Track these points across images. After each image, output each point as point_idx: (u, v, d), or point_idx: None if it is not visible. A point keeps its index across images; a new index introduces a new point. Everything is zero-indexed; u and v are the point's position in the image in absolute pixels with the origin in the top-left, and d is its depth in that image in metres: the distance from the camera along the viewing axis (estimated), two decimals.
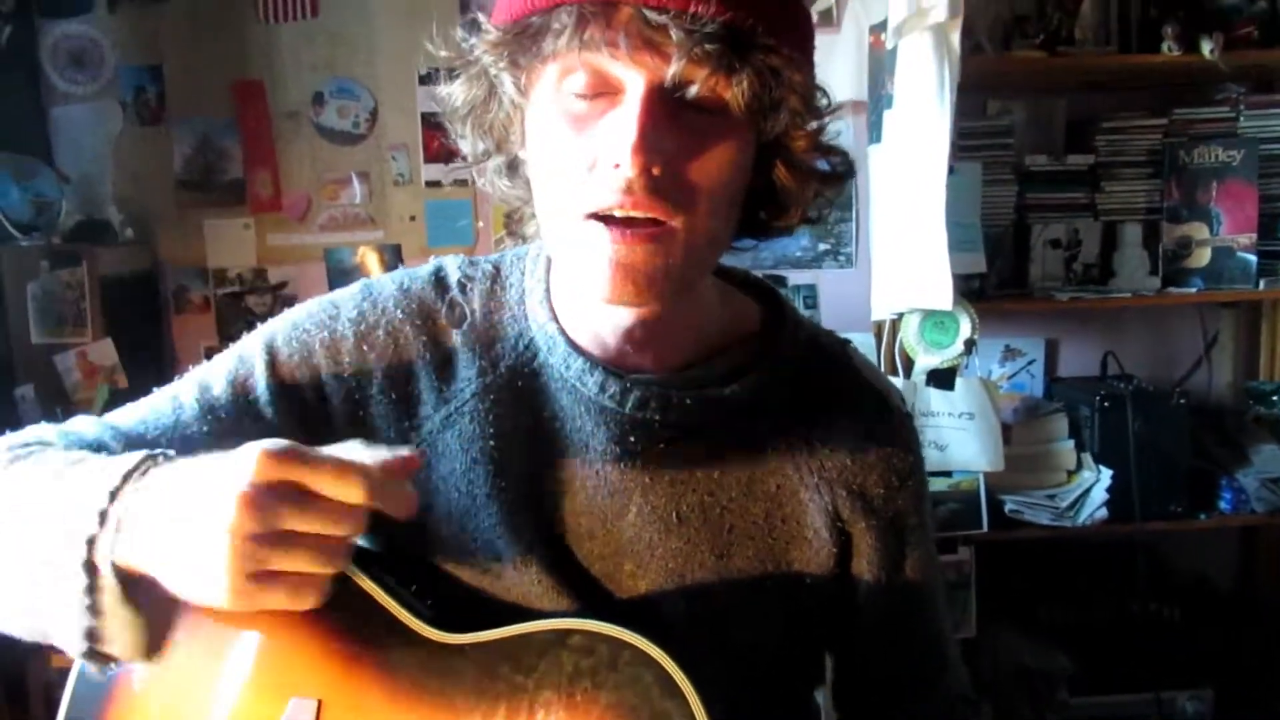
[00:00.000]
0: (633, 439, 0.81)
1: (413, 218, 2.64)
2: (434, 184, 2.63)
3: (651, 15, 0.66)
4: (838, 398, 0.87)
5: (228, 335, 2.57)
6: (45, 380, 2.28)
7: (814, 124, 0.76)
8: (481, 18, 0.75)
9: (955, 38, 1.92)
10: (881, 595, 0.87)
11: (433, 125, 2.61)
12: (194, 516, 0.61)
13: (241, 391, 0.82)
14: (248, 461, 0.60)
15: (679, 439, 0.82)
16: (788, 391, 0.85)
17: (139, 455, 0.66)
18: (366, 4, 2.57)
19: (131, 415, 0.83)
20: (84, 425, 0.82)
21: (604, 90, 0.69)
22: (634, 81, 0.68)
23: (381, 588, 0.79)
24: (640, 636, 0.73)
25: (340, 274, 2.63)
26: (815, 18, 2.51)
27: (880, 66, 2.15)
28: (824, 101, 0.77)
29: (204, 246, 2.62)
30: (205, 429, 0.81)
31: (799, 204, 0.80)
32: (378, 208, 2.64)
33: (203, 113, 2.60)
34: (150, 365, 2.48)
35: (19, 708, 2.13)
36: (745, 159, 0.74)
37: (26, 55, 2.52)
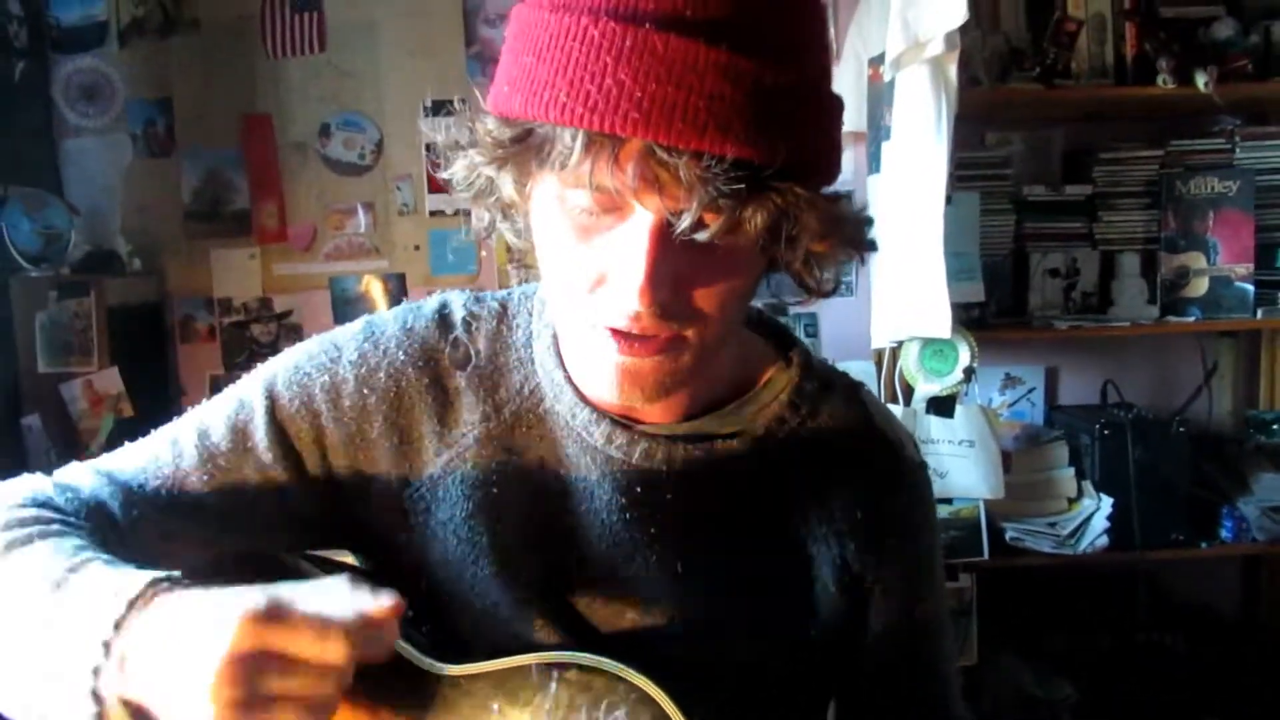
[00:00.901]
0: (639, 489, 0.79)
1: (417, 247, 2.67)
2: (438, 214, 2.66)
3: (661, 153, 0.61)
4: (850, 447, 0.84)
5: (233, 364, 2.60)
6: (52, 409, 2.30)
7: (834, 231, 0.71)
8: (480, 100, 0.70)
9: (952, 71, 1.95)
10: (890, 644, 0.87)
11: (437, 156, 2.64)
12: (183, 673, 0.58)
13: (241, 438, 0.79)
14: (228, 627, 0.57)
15: (686, 489, 0.80)
16: (797, 442, 0.83)
17: (144, 580, 0.62)
18: (373, 39, 2.61)
19: (131, 462, 0.80)
20: (82, 477, 0.77)
21: (610, 206, 0.66)
22: (643, 211, 0.65)
23: None
24: (635, 672, 0.73)
25: (345, 303, 2.65)
26: None
27: (879, 98, 2.18)
28: (845, 211, 0.72)
29: (210, 276, 2.65)
30: (205, 476, 0.78)
31: (817, 285, 0.77)
32: (382, 237, 2.67)
33: (211, 145, 2.64)
34: (156, 394, 2.49)
35: None
36: (757, 273, 0.72)
37: (39, 89, 2.57)
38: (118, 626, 0.60)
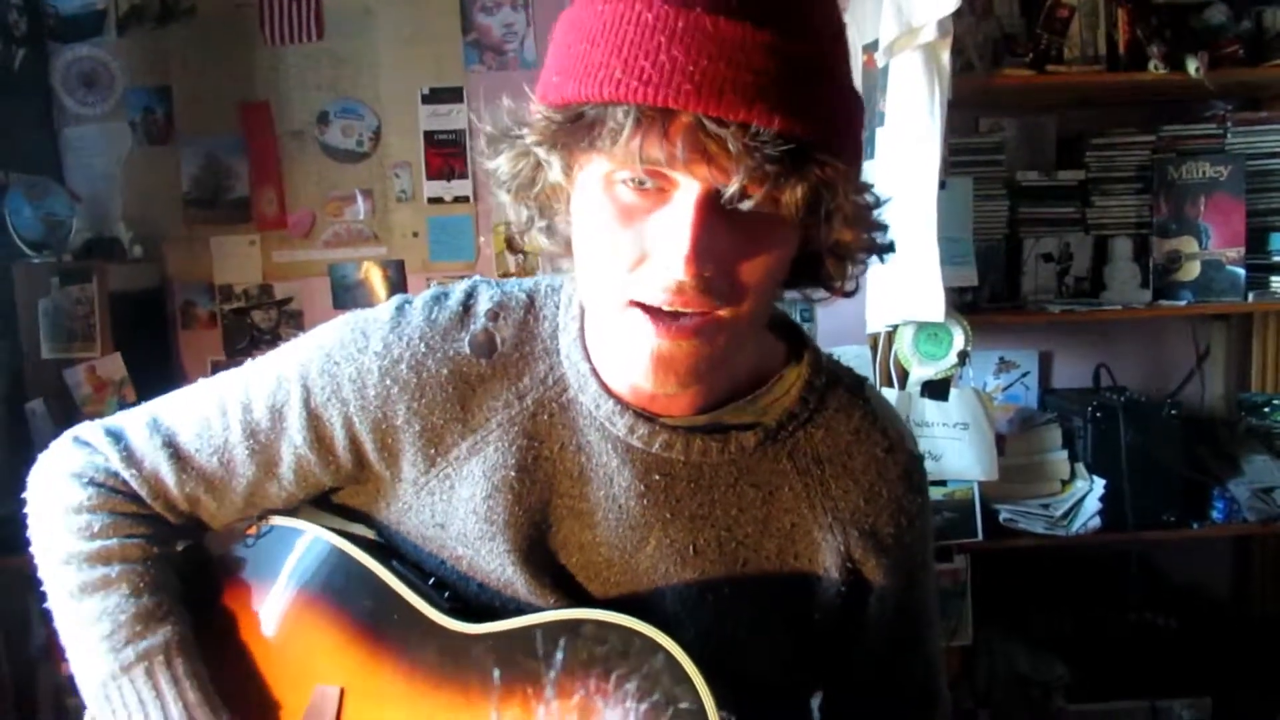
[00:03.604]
0: (656, 476, 0.84)
1: (415, 234, 2.69)
2: (436, 200, 2.68)
3: (710, 126, 0.64)
4: (854, 439, 0.88)
5: (234, 350, 2.62)
6: (55, 394, 2.33)
7: (861, 220, 0.76)
8: (529, 93, 0.74)
9: (945, 57, 1.96)
10: (884, 630, 0.91)
11: (434, 144, 2.66)
12: None
13: (278, 418, 0.86)
14: None
15: (701, 477, 0.85)
16: (806, 433, 0.87)
17: None
18: (370, 26, 2.63)
19: (185, 426, 0.88)
20: (143, 444, 0.87)
21: (655, 187, 0.69)
22: (688, 184, 0.68)
23: (401, 580, 0.83)
24: (650, 626, 0.76)
25: (344, 289, 2.68)
26: None
27: (873, 85, 2.20)
28: (870, 199, 0.76)
29: (211, 263, 2.67)
30: (247, 449, 0.86)
31: (840, 280, 0.81)
32: (381, 224, 2.69)
33: (210, 132, 2.66)
34: (159, 379, 2.50)
35: (28, 711, 2.16)
36: (792, 251, 0.75)
37: (39, 78, 2.59)
38: None
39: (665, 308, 0.70)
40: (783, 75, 0.65)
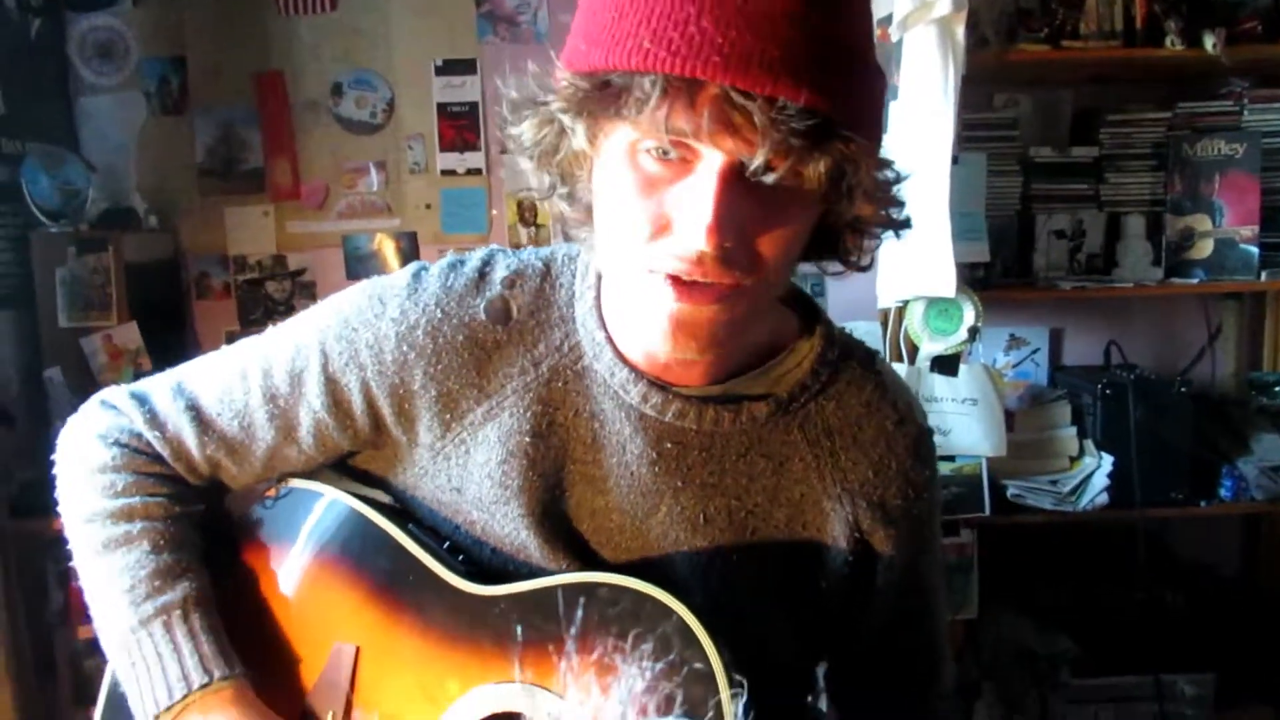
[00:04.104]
0: (669, 444, 0.85)
1: (428, 205, 2.70)
2: (449, 172, 2.69)
3: (737, 98, 0.65)
4: (864, 412, 0.89)
5: (249, 320, 2.64)
6: (73, 362, 2.35)
7: (881, 196, 0.76)
8: (555, 59, 0.74)
9: (959, 31, 1.96)
10: (891, 600, 0.92)
11: (448, 115, 2.66)
12: None
13: (297, 383, 0.88)
14: None
15: (713, 446, 0.86)
16: (817, 405, 0.88)
17: (184, 689, 0.82)
18: None
19: (208, 391, 0.90)
20: (167, 408, 0.89)
21: (679, 157, 0.70)
22: (711, 155, 0.68)
23: (417, 543, 0.85)
24: (661, 590, 0.78)
25: (357, 260, 2.69)
26: None
27: (887, 59, 2.19)
28: (889, 173, 0.76)
29: (225, 234, 2.68)
30: (266, 413, 0.88)
31: (857, 254, 0.82)
32: (394, 196, 2.70)
33: (224, 103, 2.66)
34: (174, 348, 2.53)
35: (47, 675, 2.20)
36: (811, 225, 0.76)
37: (55, 48, 2.59)
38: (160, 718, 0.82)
39: (684, 277, 0.71)
40: (810, 50, 0.65)
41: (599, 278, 0.86)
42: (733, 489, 0.86)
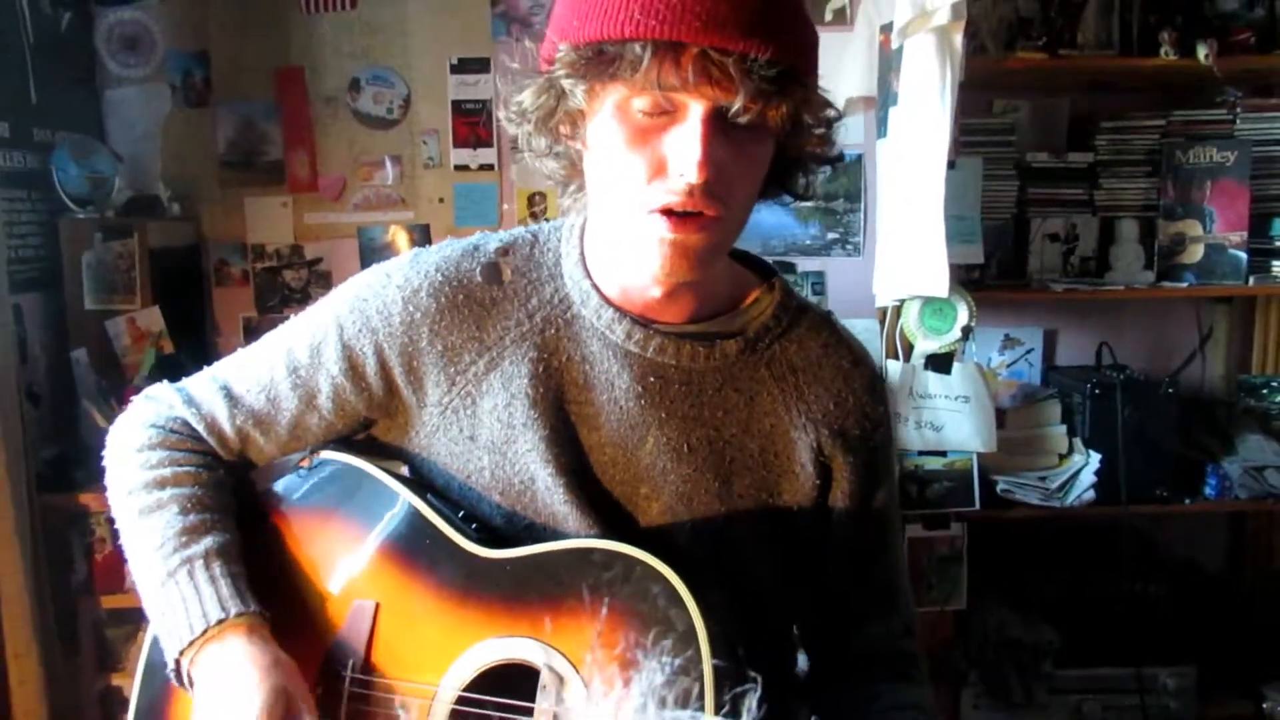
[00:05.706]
0: (652, 379, 0.96)
1: (441, 199, 2.78)
2: (462, 168, 2.77)
3: (715, 55, 0.79)
4: (823, 353, 1.02)
5: (266, 308, 2.73)
6: (98, 343, 2.42)
7: (821, 131, 0.91)
8: (551, 35, 0.88)
9: (958, 39, 2.02)
10: (853, 524, 1.02)
11: (462, 112, 2.74)
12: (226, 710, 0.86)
13: (316, 354, 0.99)
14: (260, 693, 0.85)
15: (691, 381, 0.97)
16: (782, 345, 1.01)
17: (203, 624, 0.89)
18: None
19: (238, 376, 1.01)
20: (206, 394, 1.01)
21: (667, 109, 0.83)
22: (695, 106, 0.82)
23: (434, 511, 0.94)
24: (650, 555, 0.86)
25: (372, 251, 2.77)
26: (830, 16, 2.63)
27: (888, 65, 2.26)
28: (831, 113, 0.91)
29: (244, 223, 2.76)
30: (289, 384, 0.99)
31: (801, 182, 0.97)
32: (408, 189, 2.78)
33: (246, 97, 2.74)
34: (194, 333, 2.62)
35: (71, 644, 2.28)
36: (769, 160, 0.91)
37: (83, 40, 2.67)
38: (183, 652, 0.89)
39: (677, 210, 0.84)
40: (770, 13, 0.81)
41: (581, 237, 0.99)
42: (710, 420, 0.97)
